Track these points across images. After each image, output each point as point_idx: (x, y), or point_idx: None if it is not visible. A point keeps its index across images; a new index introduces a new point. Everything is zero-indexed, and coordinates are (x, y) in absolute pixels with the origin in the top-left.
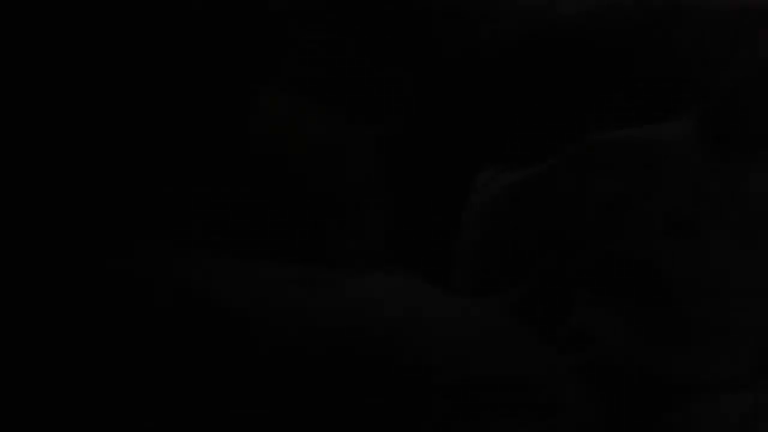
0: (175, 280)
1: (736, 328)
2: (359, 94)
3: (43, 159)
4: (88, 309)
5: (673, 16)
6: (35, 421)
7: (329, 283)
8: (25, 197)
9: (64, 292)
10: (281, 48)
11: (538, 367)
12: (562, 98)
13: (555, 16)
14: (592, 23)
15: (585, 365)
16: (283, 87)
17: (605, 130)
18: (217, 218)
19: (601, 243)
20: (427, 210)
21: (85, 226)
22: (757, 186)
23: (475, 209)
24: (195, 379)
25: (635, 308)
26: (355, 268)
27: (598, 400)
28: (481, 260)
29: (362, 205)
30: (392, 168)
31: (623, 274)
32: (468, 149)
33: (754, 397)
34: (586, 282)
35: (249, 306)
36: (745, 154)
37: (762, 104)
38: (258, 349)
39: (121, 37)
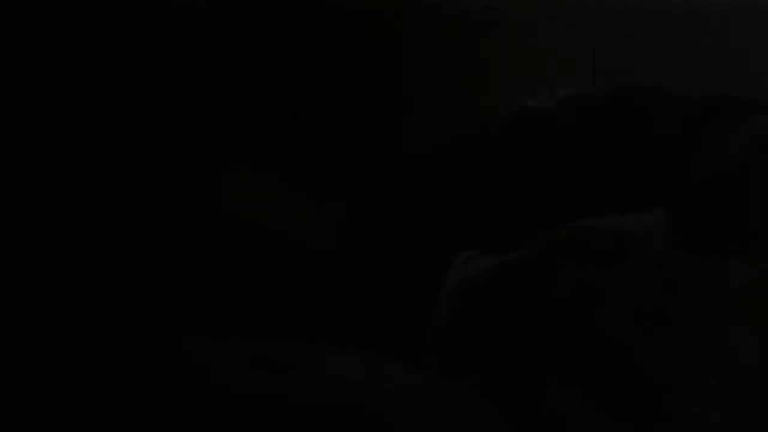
0: (134, 362)
1: (705, 423)
2: (327, 173)
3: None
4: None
5: (639, 103)
6: None
7: (293, 362)
8: None
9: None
10: (249, 123)
11: None
12: (535, 186)
13: (524, 108)
14: (560, 114)
15: None
16: (251, 163)
17: (577, 219)
18: (177, 293)
19: (570, 332)
20: (393, 293)
21: (42, 306)
22: (729, 279)
23: (450, 293)
24: None
25: (605, 398)
26: (317, 346)
27: None
28: (454, 343)
29: (324, 285)
30: (357, 251)
31: (593, 365)
32: (439, 235)
33: None
34: (558, 369)
35: (211, 391)
36: (718, 247)
37: (734, 198)
38: None
39: (88, 111)
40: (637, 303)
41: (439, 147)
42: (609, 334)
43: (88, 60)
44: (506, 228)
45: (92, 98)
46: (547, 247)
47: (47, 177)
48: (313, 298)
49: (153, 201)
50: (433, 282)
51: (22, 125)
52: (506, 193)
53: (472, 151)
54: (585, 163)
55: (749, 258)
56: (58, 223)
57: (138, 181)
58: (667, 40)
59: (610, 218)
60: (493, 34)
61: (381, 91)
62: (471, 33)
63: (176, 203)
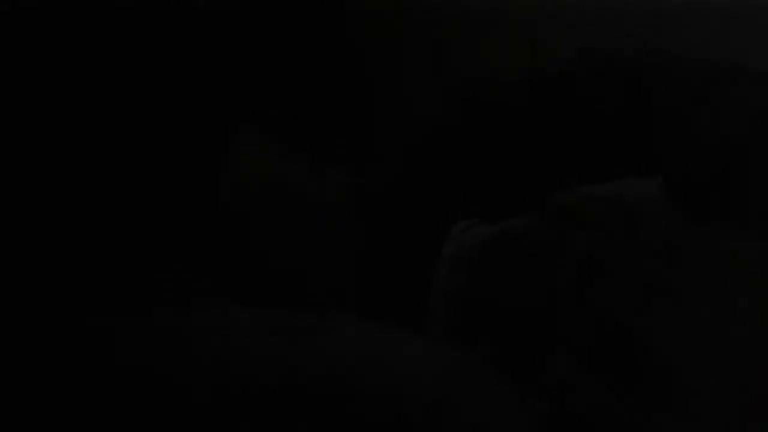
0: (153, 332)
1: (707, 393)
2: (336, 141)
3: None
4: (68, 366)
5: (643, 70)
6: None
7: (308, 331)
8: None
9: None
10: (257, 91)
11: (511, 422)
12: (536, 153)
13: (528, 71)
14: (564, 79)
15: (559, 417)
16: (259, 131)
17: (581, 185)
18: (189, 265)
19: (573, 303)
20: (401, 261)
21: (60, 283)
22: (731, 248)
23: (449, 262)
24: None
25: (611, 368)
26: (335, 315)
27: None
28: (455, 313)
29: (336, 254)
30: (368, 218)
31: (595, 335)
32: (442, 202)
33: None
34: (563, 338)
35: (230, 356)
36: (719, 215)
37: (734, 169)
38: (239, 400)
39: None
40: (640, 273)
41: (447, 111)
42: (611, 304)
43: (96, 36)
44: (505, 195)
45: (101, 72)
46: (549, 215)
47: (55, 155)
48: (323, 271)
49: (160, 175)
50: (435, 251)
51: (25, 106)
52: (508, 158)
53: (478, 114)
54: (589, 127)
55: (749, 229)
56: (61, 205)
57: (146, 153)
58: (667, 40)
59: (611, 185)
60: (493, 34)
61: (381, 90)
62: (471, 33)
63: (183, 174)
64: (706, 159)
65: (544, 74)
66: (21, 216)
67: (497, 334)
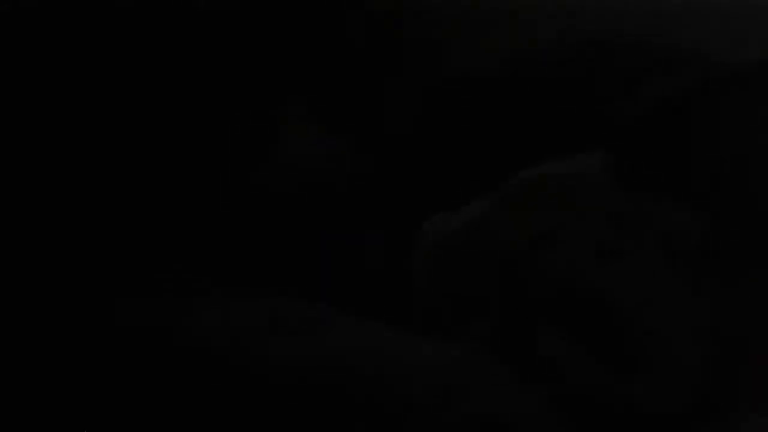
0: (151, 327)
1: (663, 356)
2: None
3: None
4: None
5: (592, 52)
6: None
7: (312, 326)
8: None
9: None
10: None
11: (518, 405)
12: (493, 136)
13: (484, 57)
14: (520, 63)
15: (558, 395)
16: (302, 115)
17: (534, 165)
18: (222, 252)
19: (534, 273)
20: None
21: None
22: (666, 209)
23: (419, 255)
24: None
25: (589, 334)
26: (336, 311)
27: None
28: (434, 306)
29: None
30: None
31: (569, 303)
32: (417, 196)
33: None
34: (543, 312)
35: (228, 355)
36: (653, 182)
37: (669, 140)
38: (238, 397)
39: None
40: (592, 238)
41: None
42: (570, 273)
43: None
44: (470, 182)
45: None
46: (503, 196)
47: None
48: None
49: (205, 154)
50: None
51: (43, 83)
52: (466, 145)
53: (431, 105)
54: (541, 109)
55: (683, 199)
56: (86, 181)
57: (189, 131)
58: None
59: (558, 162)
60: (493, 34)
61: (381, 90)
62: (471, 33)
63: (229, 156)
64: (641, 129)
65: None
66: (30, 203)
67: (485, 316)
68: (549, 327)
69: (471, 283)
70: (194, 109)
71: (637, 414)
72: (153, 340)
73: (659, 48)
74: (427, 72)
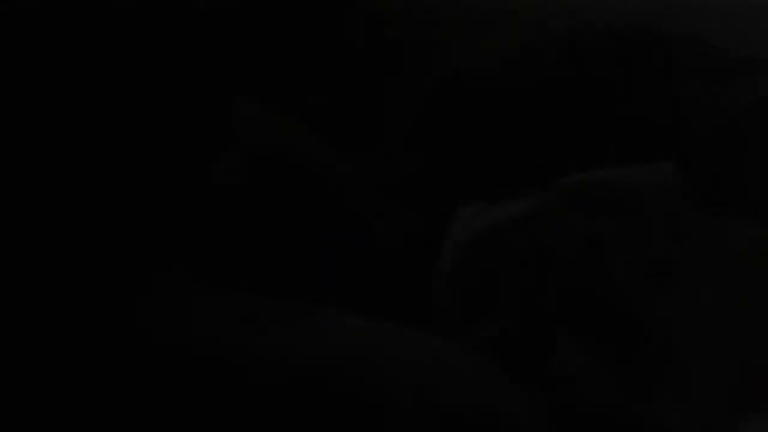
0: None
1: (712, 376)
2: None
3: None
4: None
5: (641, 49)
6: None
7: (283, 321)
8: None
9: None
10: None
11: (504, 405)
12: (542, 134)
13: (523, 50)
14: (562, 57)
15: (562, 406)
16: (255, 104)
17: (586, 168)
18: (191, 246)
19: (579, 282)
20: (406, 245)
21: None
22: (732, 234)
23: (454, 244)
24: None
25: (615, 352)
26: (311, 305)
27: None
28: (458, 295)
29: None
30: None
31: (602, 317)
32: (449, 183)
33: None
34: (567, 322)
35: (198, 348)
36: (721, 203)
37: (736, 157)
38: (209, 390)
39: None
40: (643, 254)
41: (443, 89)
42: (616, 285)
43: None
44: (509, 177)
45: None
46: (556, 199)
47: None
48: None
49: (166, 149)
50: (440, 233)
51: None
52: (514, 140)
53: (475, 91)
54: (592, 109)
55: (750, 217)
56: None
57: (148, 128)
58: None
59: (619, 170)
60: (493, 34)
61: (380, 90)
62: (471, 33)
63: (188, 146)
64: (708, 146)
65: (541, 52)
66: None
67: (499, 316)
68: (570, 337)
69: (495, 280)
70: (151, 104)
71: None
72: (134, 340)
73: (680, 40)
74: (427, 72)
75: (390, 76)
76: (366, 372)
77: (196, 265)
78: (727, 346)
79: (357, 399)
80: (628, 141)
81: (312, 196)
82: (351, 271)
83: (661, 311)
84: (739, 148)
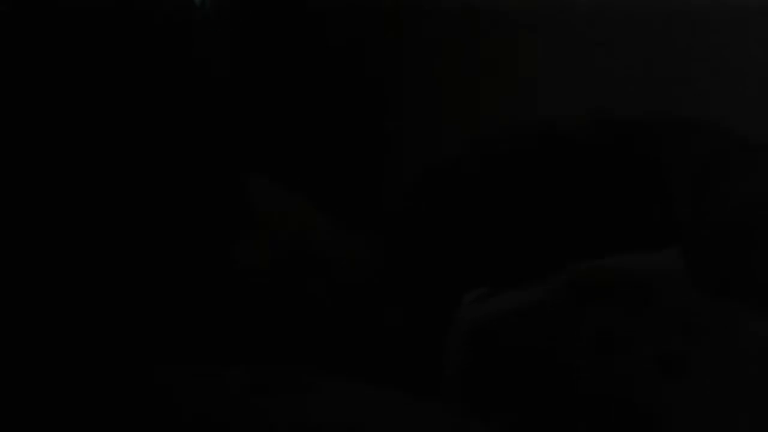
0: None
1: None
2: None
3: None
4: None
5: (659, 141)
6: None
7: (291, 389)
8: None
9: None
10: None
11: None
12: (549, 219)
13: (538, 129)
14: (577, 143)
15: None
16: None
17: (594, 254)
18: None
19: (590, 379)
20: (411, 329)
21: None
22: (750, 326)
23: (462, 333)
24: None
25: None
26: (319, 375)
27: None
28: (471, 384)
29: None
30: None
31: (615, 413)
32: (452, 269)
33: None
34: (580, 417)
35: (212, 413)
36: (737, 292)
37: (751, 245)
38: None
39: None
40: (657, 349)
41: (446, 166)
42: (629, 381)
43: (90, 63)
44: (518, 262)
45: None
46: (565, 289)
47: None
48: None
49: (175, 223)
50: (446, 319)
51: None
52: (519, 222)
53: (481, 170)
54: (605, 195)
55: (761, 307)
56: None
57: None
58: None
59: (627, 257)
60: (493, 34)
61: (381, 91)
62: (471, 33)
63: (204, 221)
64: (725, 234)
65: (556, 135)
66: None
67: (513, 405)
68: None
69: (504, 375)
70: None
71: None
72: (145, 405)
73: (673, 124)
74: (425, 150)
75: (389, 161)
76: None
77: (212, 337)
78: None
79: None
80: (629, 227)
81: (327, 275)
82: (360, 347)
83: (674, 407)
84: (748, 239)
